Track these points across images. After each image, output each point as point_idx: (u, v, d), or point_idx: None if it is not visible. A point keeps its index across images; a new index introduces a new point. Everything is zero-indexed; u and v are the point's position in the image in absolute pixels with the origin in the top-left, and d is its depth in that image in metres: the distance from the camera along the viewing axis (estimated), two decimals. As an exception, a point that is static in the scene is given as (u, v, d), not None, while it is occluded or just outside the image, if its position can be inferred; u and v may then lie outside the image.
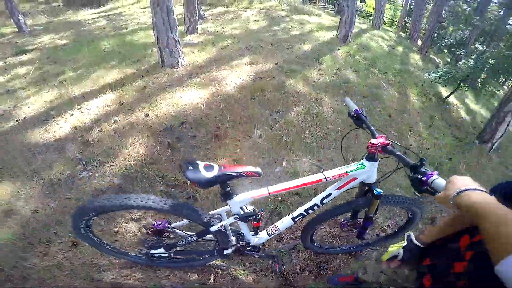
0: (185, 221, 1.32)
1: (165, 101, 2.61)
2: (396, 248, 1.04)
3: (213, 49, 3.81)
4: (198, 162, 1.02)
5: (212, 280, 1.62)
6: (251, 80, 3.12)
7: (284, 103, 2.89)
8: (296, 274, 1.80)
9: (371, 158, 1.07)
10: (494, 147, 3.71)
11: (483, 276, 0.67)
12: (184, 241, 1.26)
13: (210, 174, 0.98)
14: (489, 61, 3.96)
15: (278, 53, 3.96)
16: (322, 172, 1.11)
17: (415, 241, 0.97)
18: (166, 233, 1.30)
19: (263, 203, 2.05)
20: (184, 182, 2.01)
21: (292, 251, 1.89)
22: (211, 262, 1.65)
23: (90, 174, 1.99)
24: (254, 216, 1.20)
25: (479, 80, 3.83)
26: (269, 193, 1.11)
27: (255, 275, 1.76)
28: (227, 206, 1.19)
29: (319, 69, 3.73)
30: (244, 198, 1.13)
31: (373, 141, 1.02)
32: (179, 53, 3.12)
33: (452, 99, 4.44)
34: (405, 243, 1.01)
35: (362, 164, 1.09)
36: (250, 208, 1.20)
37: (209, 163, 1.02)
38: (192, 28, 4.47)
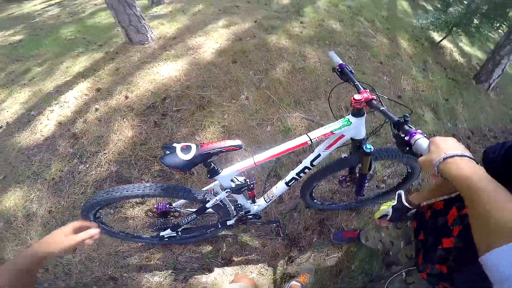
0: (184, 200, 1.40)
1: (142, 80, 2.68)
2: (386, 206, 1.11)
3: (184, 17, 3.77)
4: (175, 145, 1.02)
5: (224, 249, 1.83)
6: (230, 43, 3.10)
7: (268, 61, 2.91)
8: (300, 234, 1.95)
9: (357, 113, 1.08)
10: (491, 86, 3.84)
11: (472, 253, 0.66)
12: (186, 220, 1.36)
13: (187, 156, 0.99)
14: (482, 6, 3.91)
15: (256, 10, 3.89)
16: (306, 134, 1.11)
17: (403, 201, 1.03)
18: (171, 213, 1.39)
19: (257, 168, 2.15)
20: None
21: (293, 211, 2.03)
22: (219, 234, 1.79)
23: (87, 166, 2.11)
24: (246, 187, 1.26)
25: (472, 25, 3.83)
26: (255, 163, 1.13)
27: (261, 239, 1.92)
28: (221, 183, 1.23)
29: (301, 22, 3.69)
30: (231, 172, 1.16)
31: (356, 96, 1.02)
32: (145, 28, 3.09)
33: (445, 43, 4.43)
34: (395, 202, 1.06)
35: (348, 120, 1.10)
36: (241, 179, 1.26)
37: (187, 144, 1.03)
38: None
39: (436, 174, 0.61)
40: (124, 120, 2.35)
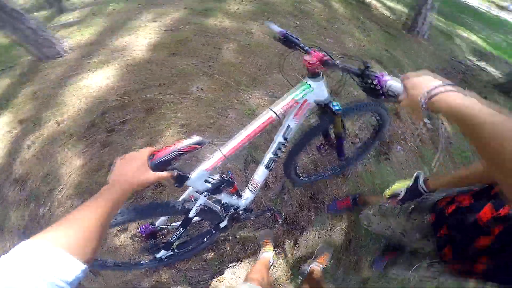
0: (164, 216, 1.34)
1: (69, 99, 2.32)
2: (400, 186, 1.11)
3: (99, 19, 3.38)
4: None
5: (228, 252, 1.79)
6: (164, 35, 2.86)
7: (212, 45, 2.76)
8: (297, 215, 1.95)
9: (313, 75, 1.08)
10: (420, 34, 4.32)
11: (509, 254, 0.71)
12: (174, 238, 1.25)
13: None
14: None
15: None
16: (270, 109, 1.07)
17: (420, 183, 1.02)
18: (158, 233, 1.31)
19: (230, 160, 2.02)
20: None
21: (283, 194, 2.00)
22: (216, 238, 1.72)
23: (48, 207, 1.86)
24: (224, 183, 1.17)
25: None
26: (224, 156, 1.06)
27: (260, 232, 1.87)
28: (196, 189, 1.14)
29: None
30: (200, 173, 1.06)
31: (306, 57, 1.02)
32: (51, 40, 2.70)
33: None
34: (411, 182, 1.05)
35: (307, 84, 1.09)
36: (216, 177, 1.16)
37: None
38: (59, 6, 3.96)
39: (423, 111, 0.58)
40: (66, 149, 2.05)
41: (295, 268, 1.79)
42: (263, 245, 1.75)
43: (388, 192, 1.17)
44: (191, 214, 1.14)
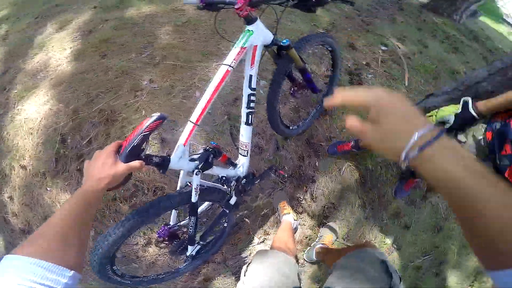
0: (174, 211, 1.36)
1: (19, 138, 1.93)
2: (448, 111, 1.04)
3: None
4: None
5: (251, 227, 1.82)
6: (82, 40, 2.52)
7: (144, 35, 2.53)
8: (300, 167, 1.97)
9: (249, 20, 1.14)
10: None
11: None
12: (192, 230, 1.25)
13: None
14: None
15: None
16: (222, 64, 1.11)
17: (471, 109, 0.98)
18: (176, 231, 1.34)
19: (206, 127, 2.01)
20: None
21: (278, 151, 1.99)
22: (235, 219, 1.74)
23: None
24: (212, 155, 1.17)
25: None
26: (196, 123, 1.07)
27: (258, 186, 1.89)
28: (185, 170, 1.17)
29: None
30: (179, 150, 1.06)
31: (236, 6, 1.07)
32: None
33: None
34: (459, 109, 1.01)
35: (248, 30, 1.15)
36: (200, 151, 1.17)
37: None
38: None
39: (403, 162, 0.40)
40: (48, 189, 1.83)
41: (322, 219, 1.87)
42: (281, 210, 1.76)
43: (434, 118, 1.09)
44: (193, 199, 1.14)
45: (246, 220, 1.83)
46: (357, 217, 1.94)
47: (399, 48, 2.81)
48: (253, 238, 1.82)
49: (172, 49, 2.40)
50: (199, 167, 1.10)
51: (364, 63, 2.58)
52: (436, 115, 1.07)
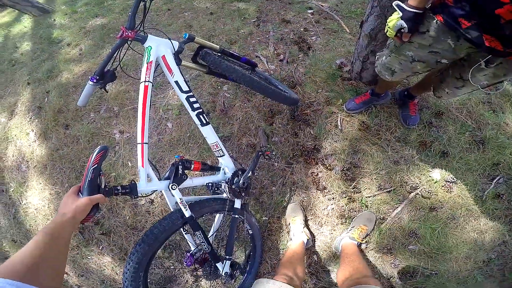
0: (187, 236, 1.40)
1: (35, 232, 2.09)
2: (395, 21, 1.11)
3: None
4: None
5: (271, 222, 1.88)
6: (37, 120, 2.58)
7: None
8: (299, 143, 2.02)
9: (141, 40, 1.25)
10: None
11: None
12: (206, 246, 1.29)
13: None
14: None
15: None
16: (140, 82, 1.21)
17: (408, 8, 1.06)
18: (201, 257, 1.36)
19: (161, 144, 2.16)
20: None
21: (271, 139, 2.08)
22: (257, 223, 1.69)
23: None
24: (179, 167, 1.24)
25: None
26: (143, 142, 1.16)
27: (269, 181, 1.97)
28: (160, 189, 1.23)
29: None
30: (142, 173, 1.14)
31: (118, 35, 1.19)
32: None
33: None
34: (399, 13, 1.09)
35: (148, 47, 1.25)
36: (168, 168, 1.25)
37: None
38: None
39: None
40: (88, 258, 1.89)
41: (350, 183, 1.84)
42: (293, 226, 1.70)
43: (391, 33, 1.17)
44: (186, 214, 1.20)
45: (265, 217, 1.88)
46: (384, 165, 1.85)
47: (322, 5, 3.07)
48: (287, 234, 1.82)
49: (124, 95, 2.51)
50: (172, 182, 1.19)
51: (303, 29, 2.80)
52: (390, 28, 1.15)
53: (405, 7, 1.07)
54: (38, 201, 2.25)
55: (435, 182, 1.79)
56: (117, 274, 1.92)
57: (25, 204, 2.29)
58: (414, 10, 1.05)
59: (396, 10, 1.11)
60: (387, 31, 1.19)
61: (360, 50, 1.97)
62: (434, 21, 1.06)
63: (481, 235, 1.67)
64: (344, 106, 2.08)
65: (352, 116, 2.07)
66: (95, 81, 1.24)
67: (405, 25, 1.09)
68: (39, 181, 2.31)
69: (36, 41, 3.74)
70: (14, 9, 4.41)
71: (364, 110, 2.05)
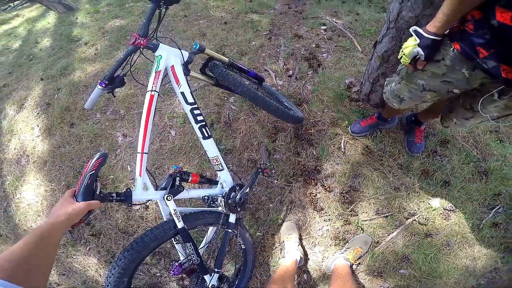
0: (178, 245, 1.39)
1: (31, 221, 2.13)
2: (411, 47, 1.07)
3: None
4: None
5: (269, 239, 1.86)
6: (44, 115, 2.65)
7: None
8: (300, 162, 2.00)
9: (152, 48, 1.26)
10: None
11: None
12: (195, 257, 1.29)
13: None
14: None
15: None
16: (146, 91, 1.23)
17: (427, 35, 1.01)
18: (192, 265, 1.36)
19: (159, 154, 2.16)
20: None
21: (272, 157, 2.06)
22: (250, 238, 1.66)
23: None
24: (177, 178, 1.23)
25: None
26: (142, 152, 1.17)
27: (266, 198, 1.95)
28: (155, 199, 1.24)
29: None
30: (139, 182, 1.14)
31: (130, 42, 1.21)
32: None
33: None
34: (416, 40, 1.04)
35: (158, 56, 1.26)
36: (165, 178, 1.26)
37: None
38: None
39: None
40: (73, 257, 1.89)
41: (347, 206, 1.84)
42: (287, 244, 1.71)
43: (405, 60, 1.13)
44: (179, 225, 1.20)
45: (267, 235, 1.87)
46: (384, 190, 1.86)
47: (336, 22, 3.06)
48: (280, 251, 1.82)
49: (131, 99, 2.56)
50: (168, 192, 1.19)
51: (314, 45, 2.81)
52: (405, 55, 1.10)
53: (423, 33, 1.02)
54: (32, 197, 2.27)
55: (434, 209, 1.80)
56: (100, 276, 1.90)
57: (18, 198, 2.31)
58: (433, 37, 1.01)
59: (413, 36, 1.06)
60: (401, 57, 1.15)
61: (370, 72, 1.95)
62: (451, 49, 1.01)
63: (474, 261, 1.69)
64: (349, 128, 2.05)
65: (356, 139, 2.04)
66: (104, 86, 1.25)
67: (422, 52, 1.05)
68: (36, 176, 2.34)
69: (56, 38, 3.86)
70: (42, 4, 4.59)
71: (369, 133, 2.03)
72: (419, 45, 1.04)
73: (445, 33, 1.01)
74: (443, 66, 1.07)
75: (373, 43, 1.84)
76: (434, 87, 1.17)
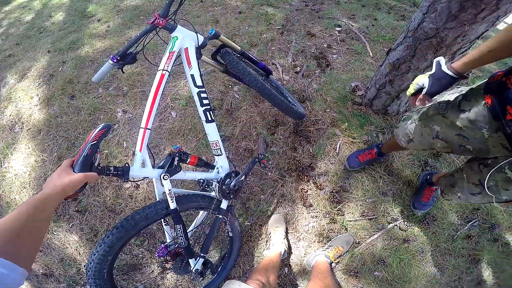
0: (166, 227, 1.39)
1: (15, 193, 2.12)
2: (421, 77, 1.00)
3: None
4: None
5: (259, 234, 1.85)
6: (46, 85, 2.66)
7: None
8: (296, 157, 2.02)
9: (170, 29, 1.29)
10: None
11: None
12: (183, 240, 1.27)
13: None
14: None
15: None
16: (157, 70, 1.25)
17: (444, 68, 0.93)
18: (178, 249, 1.37)
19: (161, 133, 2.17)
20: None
21: (269, 149, 2.08)
22: (239, 226, 1.65)
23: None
24: (175, 158, 1.23)
25: None
26: (146, 128, 1.16)
27: (259, 188, 1.96)
28: (151, 177, 1.22)
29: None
30: (138, 157, 1.14)
31: (149, 21, 1.24)
32: None
33: None
34: (433, 70, 0.97)
35: (174, 37, 1.29)
36: (165, 156, 1.25)
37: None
38: None
39: None
40: (54, 234, 1.76)
41: (336, 205, 1.85)
42: (274, 236, 1.73)
43: (410, 90, 1.05)
44: (171, 206, 1.19)
45: (255, 225, 1.88)
46: (372, 193, 1.90)
47: (352, 25, 3.06)
48: (266, 242, 1.84)
49: (136, 77, 2.58)
50: (165, 171, 1.18)
51: (326, 45, 2.82)
52: (413, 84, 1.04)
53: (442, 66, 0.94)
54: (20, 167, 2.26)
55: (416, 217, 1.87)
56: (79, 254, 1.89)
57: (5, 167, 2.30)
58: (450, 73, 0.92)
59: (433, 66, 0.98)
60: (408, 87, 1.08)
61: (378, 77, 1.96)
62: (483, 102, 0.88)
63: (442, 270, 1.78)
64: (346, 161, 1.96)
65: (353, 143, 2.07)
66: (115, 61, 1.27)
67: (427, 84, 0.96)
68: (28, 145, 2.34)
69: (70, 13, 3.91)
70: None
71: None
72: (431, 75, 0.97)
73: (465, 74, 0.92)
74: (466, 119, 0.95)
75: (386, 49, 1.84)
76: (447, 138, 1.07)
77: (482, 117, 0.90)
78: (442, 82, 0.94)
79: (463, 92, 0.99)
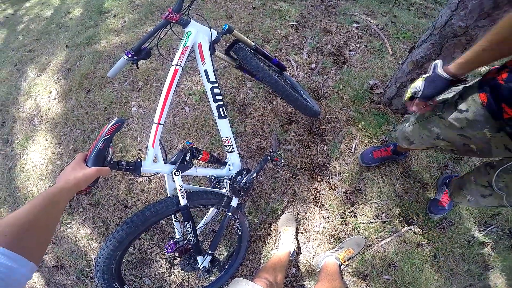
0: (176, 223, 1.41)
1: (33, 185, 2.22)
2: (417, 81, 0.99)
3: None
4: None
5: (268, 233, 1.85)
6: (64, 80, 2.75)
7: None
8: (309, 156, 2.01)
9: (183, 24, 1.30)
10: None
11: None
12: (192, 237, 1.29)
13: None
14: None
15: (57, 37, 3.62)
16: (171, 65, 1.26)
17: (440, 71, 0.91)
18: (187, 245, 1.38)
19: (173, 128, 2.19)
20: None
21: (282, 146, 2.07)
22: (248, 224, 1.66)
23: None
24: (187, 154, 1.24)
25: None
26: (159, 123, 1.18)
27: (270, 187, 1.95)
28: (163, 173, 1.23)
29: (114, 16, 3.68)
30: (150, 152, 1.15)
31: (163, 16, 1.25)
32: None
33: None
34: (429, 73, 0.95)
35: (186, 32, 1.31)
36: (176, 153, 1.26)
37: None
38: None
39: None
40: (67, 226, 1.90)
41: (348, 206, 1.84)
42: (283, 235, 1.72)
43: (407, 95, 1.03)
44: (182, 202, 1.20)
45: (264, 224, 1.89)
46: (387, 196, 1.87)
47: (371, 22, 3.00)
48: (275, 241, 1.82)
49: (151, 72, 2.62)
50: (177, 167, 1.20)
51: (342, 42, 2.78)
52: (410, 88, 1.02)
53: (438, 69, 0.91)
54: (38, 159, 2.36)
55: (432, 221, 1.82)
56: (90, 247, 1.95)
57: (24, 159, 2.40)
58: (444, 75, 0.90)
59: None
60: (404, 96, 1.06)
61: (400, 75, 1.92)
62: (480, 101, 0.86)
63: (453, 275, 1.73)
64: (359, 156, 1.94)
65: (370, 143, 2.03)
66: (130, 56, 1.29)
67: (421, 88, 0.95)
68: (46, 137, 2.44)
69: (87, 9, 4.01)
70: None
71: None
72: (426, 78, 0.95)
73: (463, 76, 0.90)
74: (464, 119, 0.93)
75: (408, 47, 1.79)
76: (450, 138, 1.05)
77: (481, 117, 0.87)
78: (436, 85, 0.92)
79: (460, 90, 0.97)
